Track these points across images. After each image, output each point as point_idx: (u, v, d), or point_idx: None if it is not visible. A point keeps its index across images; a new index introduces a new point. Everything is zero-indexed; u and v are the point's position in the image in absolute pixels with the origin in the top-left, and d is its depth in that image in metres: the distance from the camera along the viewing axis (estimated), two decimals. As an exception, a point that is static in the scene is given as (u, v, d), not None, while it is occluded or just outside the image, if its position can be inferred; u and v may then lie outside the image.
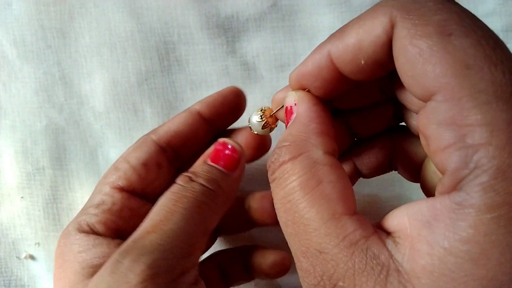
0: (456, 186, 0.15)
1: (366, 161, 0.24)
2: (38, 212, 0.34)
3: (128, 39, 0.34)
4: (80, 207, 0.33)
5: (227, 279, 0.28)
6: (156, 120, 0.34)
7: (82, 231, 0.23)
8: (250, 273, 0.28)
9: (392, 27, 0.17)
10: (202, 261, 0.29)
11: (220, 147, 0.24)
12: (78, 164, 0.34)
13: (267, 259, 0.28)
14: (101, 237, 0.23)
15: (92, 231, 0.24)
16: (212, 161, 0.23)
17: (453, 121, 0.15)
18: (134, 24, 0.34)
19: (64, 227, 0.33)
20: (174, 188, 0.22)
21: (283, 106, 0.23)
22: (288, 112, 0.21)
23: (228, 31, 0.35)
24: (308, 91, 0.21)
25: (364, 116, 0.23)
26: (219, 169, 0.23)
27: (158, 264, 0.19)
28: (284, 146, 0.19)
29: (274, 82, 0.35)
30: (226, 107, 0.27)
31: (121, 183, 0.24)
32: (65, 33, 0.35)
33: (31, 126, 0.34)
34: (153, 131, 0.26)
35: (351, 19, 0.35)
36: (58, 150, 0.34)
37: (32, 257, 0.34)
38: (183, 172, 0.23)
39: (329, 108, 0.21)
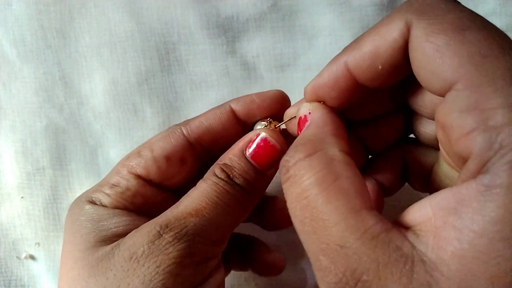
0: (482, 169, 0.15)
1: (386, 176, 0.24)
2: (38, 212, 0.34)
3: (128, 39, 0.34)
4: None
5: (226, 262, 0.29)
6: (156, 120, 0.34)
7: (94, 204, 0.24)
8: (245, 264, 0.29)
9: (408, 30, 0.17)
10: None
11: (261, 143, 0.23)
12: (78, 164, 0.34)
13: (264, 257, 0.28)
14: (118, 209, 0.24)
15: (105, 206, 0.24)
16: (251, 157, 0.23)
17: (475, 106, 0.15)
18: (134, 24, 0.34)
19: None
20: (215, 179, 0.23)
21: (293, 117, 0.23)
22: (302, 121, 0.21)
23: (228, 31, 0.35)
24: (324, 103, 0.21)
25: (376, 128, 0.24)
26: (256, 168, 0.23)
27: (196, 246, 0.21)
28: (299, 144, 0.19)
29: (274, 82, 0.35)
30: (262, 111, 0.25)
31: (139, 170, 0.24)
32: (65, 33, 0.35)
33: (31, 126, 0.34)
34: (185, 123, 0.25)
35: (351, 19, 0.36)
36: (58, 150, 0.34)
37: (32, 257, 0.34)
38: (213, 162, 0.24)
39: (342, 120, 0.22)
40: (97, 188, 0.25)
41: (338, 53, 0.34)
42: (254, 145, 0.23)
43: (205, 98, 0.34)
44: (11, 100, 0.34)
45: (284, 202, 0.27)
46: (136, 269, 0.20)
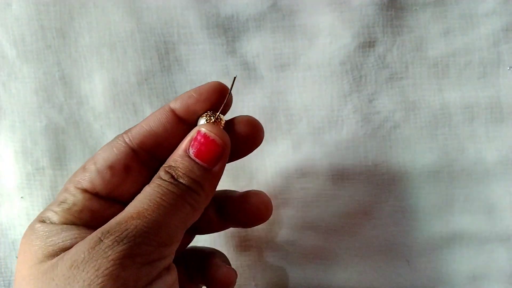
0: None
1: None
2: (38, 212, 0.33)
3: (128, 39, 0.34)
4: (79, 207, 0.34)
5: (190, 277, 0.29)
6: (156, 120, 0.34)
7: (44, 223, 0.24)
8: (201, 280, 0.29)
9: None
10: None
11: (201, 139, 0.23)
12: (78, 164, 0.34)
13: (212, 273, 0.28)
14: (68, 224, 0.23)
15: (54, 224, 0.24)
16: (194, 155, 0.23)
17: None
18: (134, 24, 0.34)
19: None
20: (159, 181, 0.23)
21: (224, 103, 0.24)
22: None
23: (228, 31, 0.35)
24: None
25: None
26: (201, 165, 0.23)
27: (139, 247, 0.20)
28: None
29: (274, 82, 0.35)
30: (202, 104, 0.25)
31: (85, 184, 0.24)
32: (65, 33, 0.35)
33: (31, 126, 0.34)
34: (127, 131, 0.25)
35: (351, 19, 0.36)
36: (58, 150, 0.34)
37: (32, 257, 0.34)
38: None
39: None
40: (47, 208, 0.24)
41: (338, 52, 0.35)
42: (195, 143, 0.23)
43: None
44: (11, 100, 0.34)
45: (259, 194, 0.28)
46: (76, 275, 0.20)
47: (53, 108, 0.34)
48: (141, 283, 0.20)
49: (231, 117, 0.26)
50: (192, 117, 0.25)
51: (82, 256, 0.20)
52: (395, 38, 0.34)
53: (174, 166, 0.23)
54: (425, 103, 0.34)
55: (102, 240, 0.20)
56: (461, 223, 0.33)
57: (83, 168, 0.24)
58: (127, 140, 0.24)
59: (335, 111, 0.34)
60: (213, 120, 0.24)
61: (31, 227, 0.24)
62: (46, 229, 0.23)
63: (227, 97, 0.25)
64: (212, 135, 0.23)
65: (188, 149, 0.23)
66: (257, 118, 0.26)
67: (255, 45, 0.35)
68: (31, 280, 0.21)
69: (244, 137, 0.25)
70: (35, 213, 0.34)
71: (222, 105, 0.25)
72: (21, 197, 0.34)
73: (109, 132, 0.34)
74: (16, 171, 0.34)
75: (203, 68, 0.35)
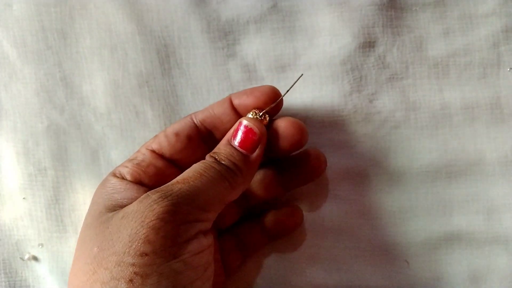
0: None
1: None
2: (41, 213, 0.34)
3: (129, 41, 0.34)
4: (82, 207, 0.34)
5: (244, 248, 0.32)
6: (158, 123, 0.34)
7: (116, 177, 0.28)
8: (265, 236, 0.32)
9: None
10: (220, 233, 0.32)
11: (242, 129, 0.28)
12: (79, 165, 0.34)
13: (280, 214, 0.32)
14: (132, 182, 0.28)
15: (123, 179, 0.28)
16: (236, 143, 0.28)
17: None
18: (134, 26, 0.34)
19: (67, 228, 0.34)
20: (204, 161, 0.27)
21: (275, 103, 0.29)
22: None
23: (228, 34, 0.35)
24: None
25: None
26: (240, 151, 0.27)
27: (180, 206, 0.24)
28: None
29: (275, 83, 0.35)
30: (252, 103, 0.29)
31: (153, 146, 0.29)
32: (66, 34, 0.35)
33: (33, 127, 0.34)
34: (195, 112, 0.30)
35: (351, 19, 0.36)
36: (60, 151, 0.34)
37: (35, 258, 0.34)
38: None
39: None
40: (122, 163, 0.29)
41: (338, 53, 0.34)
42: (237, 133, 0.28)
43: (206, 101, 0.34)
44: (12, 101, 0.34)
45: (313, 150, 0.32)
46: (126, 224, 0.23)
47: (55, 109, 0.34)
48: (179, 239, 0.23)
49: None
50: (243, 111, 0.29)
51: (132, 208, 0.24)
52: (395, 38, 0.35)
53: (217, 152, 0.27)
54: (426, 103, 0.34)
55: (149, 196, 0.24)
56: (460, 224, 0.33)
57: (155, 136, 0.30)
58: (193, 116, 0.30)
59: (335, 111, 0.34)
60: (257, 117, 0.29)
61: (105, 180, 0.28)
62: (114, 186, 0.27)
63: (277, 101, 0.29)
64: (250, 125, 0.28)
65: (231, 139, 0.28)
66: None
67: (255, 47, 0.35)
68: (91, 227, 0.25)
69: (286, 137, 0.29)
70: (38, 214, 0.34)
71: (269, 106, 0.29)
72: (23, 198, 0.34)
73: (111, 133, 0.34)
74: (18, 172, 0.34)
75: (203, 72, 0.35)
